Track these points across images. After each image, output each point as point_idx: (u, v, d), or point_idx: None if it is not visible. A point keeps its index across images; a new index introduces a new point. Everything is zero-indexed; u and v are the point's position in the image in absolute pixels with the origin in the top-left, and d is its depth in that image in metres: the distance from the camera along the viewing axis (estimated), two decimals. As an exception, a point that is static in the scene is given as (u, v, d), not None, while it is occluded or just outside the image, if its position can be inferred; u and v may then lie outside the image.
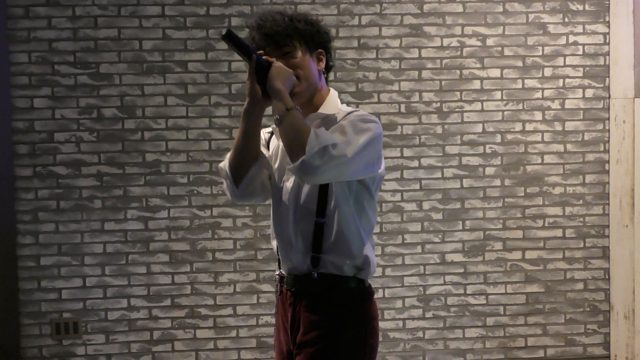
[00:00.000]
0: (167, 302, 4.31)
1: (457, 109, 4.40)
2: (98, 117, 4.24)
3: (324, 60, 2.36)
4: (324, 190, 2.24)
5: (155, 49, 4.26)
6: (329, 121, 2.29)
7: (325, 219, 2.25)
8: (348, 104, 2.58)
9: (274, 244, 2.40)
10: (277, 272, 2.42)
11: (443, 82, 4.39)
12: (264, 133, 2.46)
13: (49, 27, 4.20)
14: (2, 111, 4.17)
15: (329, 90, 2.39)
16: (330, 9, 4.32)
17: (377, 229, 4.37)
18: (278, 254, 2.39)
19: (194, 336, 4.33)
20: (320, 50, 2.34)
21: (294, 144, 2.12)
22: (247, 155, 2.30)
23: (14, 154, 4.20)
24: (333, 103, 2.34)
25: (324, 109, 2.32)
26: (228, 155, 2.37)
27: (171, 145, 4.29)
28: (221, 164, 2.40)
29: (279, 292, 2.41)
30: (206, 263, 4.32)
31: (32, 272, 4.24)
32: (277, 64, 2.20)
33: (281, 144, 2.33)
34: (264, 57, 2.22)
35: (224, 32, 2.23)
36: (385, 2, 4.35)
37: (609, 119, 4.47)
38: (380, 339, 4.40)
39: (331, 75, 4.21)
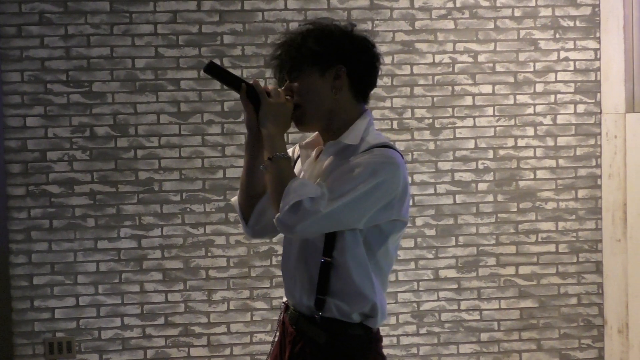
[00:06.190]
0: (161, 320, 4.30)
1: (449, 125, 4.41)
2: (91, 136, 4.24)
3: (343, 77, 2.10)
4: None
5: (148, 67, 4.26)
6: (347, 152, 2.08)
7: (333, 260, 2.05)
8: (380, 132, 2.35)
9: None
10: (284, 300, 2.23)
11: (435, 99, 4.40)
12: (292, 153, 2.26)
13: (41, 46, 4.20)
14: (-6, 130, 4.18)
15: (361, 114, 2.14)
16: (322, 26, 4.33)
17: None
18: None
19: (188, 354, 4.32)
20: (339, 66, 2.09)
21: (274, 197, 2.03)
22: (253, 190, 2.17)
23: (6, 173, 4.20)
24: (357, 131, 2.10)
25: (346, 138, 2.09)
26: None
27: (164, 163, 4.29)
28: (233, 199, 2.26)
29: (281, 320, 2.23)
30: (200, 281, 4.31)
31: (25, 292, 4.22)
32: (268, 101, 2.06)
33: (300, 165, 2.20)
34: (252, 83, 2.08)
35: (206, 64, 2.08)
36: (377, 20, 4.37)
37: (600, 134, 4.48)
38: (375, 355, 4.39)
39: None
